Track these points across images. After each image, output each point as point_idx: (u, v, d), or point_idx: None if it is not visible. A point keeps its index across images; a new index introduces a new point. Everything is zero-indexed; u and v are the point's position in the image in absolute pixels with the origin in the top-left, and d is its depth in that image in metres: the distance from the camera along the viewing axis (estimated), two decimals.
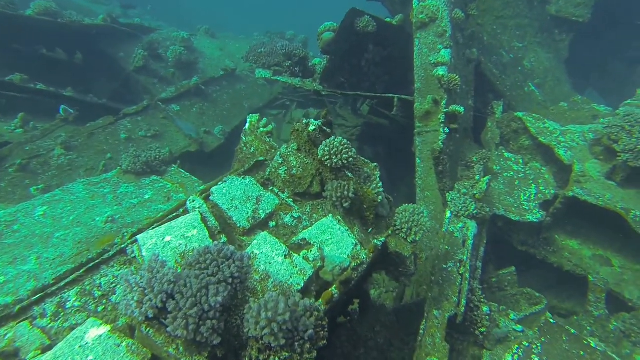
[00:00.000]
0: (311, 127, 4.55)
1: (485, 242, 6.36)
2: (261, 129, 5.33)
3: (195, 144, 9.32)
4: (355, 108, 11.85)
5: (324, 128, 4.68)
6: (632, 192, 6.47)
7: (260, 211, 4.35)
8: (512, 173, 7.20)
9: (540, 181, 7.07)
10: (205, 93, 10.76)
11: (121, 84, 11.26)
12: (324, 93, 7.99)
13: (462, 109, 6.62)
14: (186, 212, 4.18)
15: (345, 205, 4.41)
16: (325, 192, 4.56)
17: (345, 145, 4.47)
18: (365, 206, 4.58)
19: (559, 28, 10.30)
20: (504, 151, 7.57)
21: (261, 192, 4.54)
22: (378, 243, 4.20)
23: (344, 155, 4.40)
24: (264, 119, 5.46)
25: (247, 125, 5.45)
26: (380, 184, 4.72)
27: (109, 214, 5.75)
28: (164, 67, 11.41)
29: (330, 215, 4.39)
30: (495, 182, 7.10)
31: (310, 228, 4.30)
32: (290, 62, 8.28)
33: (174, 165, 7.32)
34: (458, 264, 5.46)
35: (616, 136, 6.21)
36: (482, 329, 5.09)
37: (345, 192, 4.41)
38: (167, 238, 3.72)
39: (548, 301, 7.36)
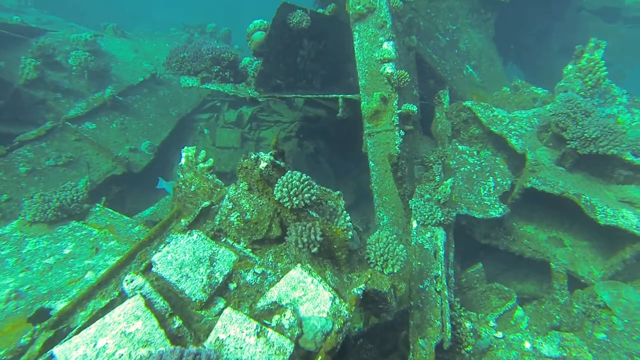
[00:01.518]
0: (262, 165, 3.84)
1: (453, 246, 6.13)
2: (200, 165, 4.50)
3: (121, 166, 8.12)
4: (290, 102, 11.16)
5: (277, 162, 4.00)
6: (579, 176, 6.55)
7: (217, 274, 3.62)
8: (468, 167, 7.01)
9: (496, 172, 6.96)
10: (124, 104, 9.41)
11: (7, 102, 9.42)
12: (261, 100, 7.19)
13: (415, 108, 6.21)
14: (123, 296, 3.33)
15: (314, 250, 3.81)
16: (288, 237, 3.93)
17: (306, 182, 3.83)
18: (335, 246, 4.01)
19: (484, 7, 10.27)
20: (457, 144, 7.36)
21: (214, 249, 3.79)
22: (359, 292, 3.67)
23: (306, 195, 3.77)
24: (202, 152, 4.63)
25: (183, 160, 4.58)
26: (348, 217, 4.17)
27: (11, 288, 4.59)
28: (66, 78, 9.77)
29: (299, 265, 3.77)
30: (453, 177, 6.87)
31: (278, 284, 3.66)
32: (218, 66, 7.33)
33: (98, 204, 6.19)
34: (434, 281, 5.14)
35: (563, 124, 6.18)
36: (469, 348, 4.86)
37: (313, 237, 3.81)
38: (102, 342, 2.89)
39: (510, 284, 7.50)
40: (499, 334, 5.26)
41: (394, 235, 4.46)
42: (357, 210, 10.30)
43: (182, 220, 4.69)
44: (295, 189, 3.75)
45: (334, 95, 7.09)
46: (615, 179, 6.37)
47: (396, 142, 6.11)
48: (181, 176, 4.60)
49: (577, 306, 6.06)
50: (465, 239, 7.05)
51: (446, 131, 7.36)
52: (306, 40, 7.69)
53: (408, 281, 5.14)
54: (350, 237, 4.06)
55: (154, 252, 4.01)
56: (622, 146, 5.77)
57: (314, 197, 3.83)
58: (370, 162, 6.85)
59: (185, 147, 4.62)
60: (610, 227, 5.93)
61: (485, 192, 6.68)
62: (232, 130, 10.49)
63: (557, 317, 5.91)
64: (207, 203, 4.18)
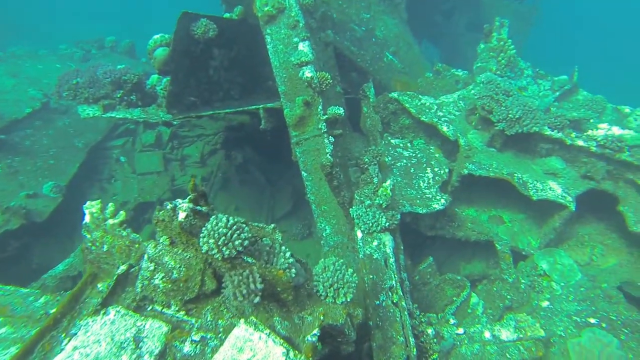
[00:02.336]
0: (180, 217, 3.31)
1: (402, 247, 5.98)
2: (110, 222, 3.84)
3: (16, 218, 7.02)
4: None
5: (198, 208, 3.48)
6: (509, 155, 6.69)
7: (145, 356, 3.07)
8: (404, 161, 6.89)
9: (432, 162, 6.90)
10: (9, 143, 8.15)
11: None
12: (175, 122, 6.51)
13: (342, 111, 5.90)
14: None
15: (256, 301, 3.38)
16: (224, 290, 3.46)
17: (235, 227, 3.36)
18: (279, 289, 3.61)
19: None
20: (390, 138, 7.21)
21: (138, 324, 3.22)
22: (313, 340, 3.31)
23: (237, 242, 3.30)
24: (110, 205, 3.96)
25: (87, 218, 3.89)
26: (288, 254, 3.77)
27: None
28: None
29: (242, 321, 3.33)
30: (391, 174, 6.72)
31: (222, 349, 3.19)
32: (121, 91, 6.50)
33: None
34: (389, 293, 4.93)
35: (489, 107, 6.22)
36: (435, 356, 4.73)
37: (252, 286, 3.37)
38: None
39: (458, 265, 7.59)
40: (460, 331, 5.20)
41: (341, 261, 4.14)
42: (296, 215, 9.92)
43: (100, 285, 4.02)
44: (224, 237, 3.26)
45: (254, 107, 6.58)
46: (538, 152, 6.57)
47: (327, 150, 5.77)
48: (88, 236, 3.91)
49: (523, 281, 6.22)
50: (411, 232, 6.97)
51: (376, 126, 7.17)
52: (216, 49, 7.05)
53: (363, 299, 4.89)
54: (293, 276, 3.68)
55: (63, 336, 3.35)
56: (541, 123, 5.90)
57: (246, 243, 3.37)
58: (303, 172, 6.48)
59: (88, 203, 3.92)
60: (541, 200, 6.10)
61: (425, 184, 6.60)
62: (152, 153, 9.59)
63: (508, 296, 6.02)
64: (123, 268, 3.57)
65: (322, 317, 3.47)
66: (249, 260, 3.47)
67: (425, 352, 4.73)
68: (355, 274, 4.07)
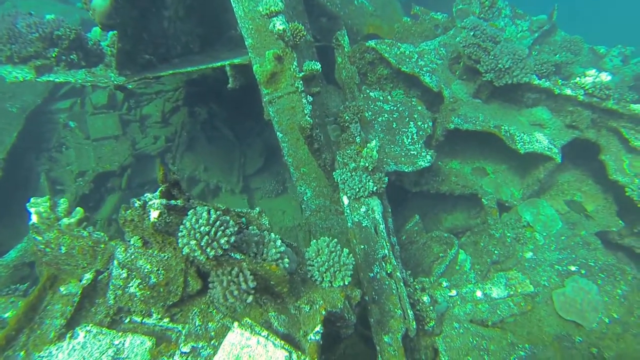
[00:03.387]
0: (153, 217, 2.80)
1: (390, 210, 5.72)
2: (64, 222, 3.26)
3: None
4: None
5: (173, 203, 2.96)
6: (495, 106, 6.38)
7: None
8: (385, 116, 6.45)
9: (415, 116, 6.50)
10: None
11: None
12: (130, 86, 5.67)
13: (319, 66, 5.29)
14: None
15: (249, 300, 3.03)
16: (212, 290, 3.07)
17: (218, 222, 2.89)
18: (273, 283, 3.26)
19: None
20: (368, 91, 6.68)
21: (116, 343, 2.81)
22: (317, 339, 3.03)
23: (222, 241, 2.86)
24: (62, 201, 3.35)
25: (34, 218, 3.28)
26: (278, 242, 3.37)
27: None
28: None
29: (236, 324, 2.98)
30: (372, 131, 6.30)
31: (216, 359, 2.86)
32: (56, 49, 5.52)
33: None
34: (383, 264, 4.71)
35: (476, 56, 5.77)
36: (431, 323, 4.64)
37: (243, 285, 2.99)
38: None
39: (441, 217, 7.53)
40: (453, 292, 5.15)
41: (334, 241, 3.81)
42: (269, 171, 9.48)
43: (62, 288, 3.51)
44: (207, 237, 2.80)
45: (220, 64, 5.82)
46: (525, 102, 6.30)
47: (305, 112, 5.22)
48: (39, 238, 3.32)
49: (509, 234, 6.20)
50: (394, 189, 6.72)
51: (353, 78, 6.60)
52: None
53: (357, 272, 4.65)
54: (287, 266, 3.32)
55: (22, 355, 2.89)
56: (530, 72, 5.55)
57: (232, 239, 2.93)
58: (278, 133, 5.94)
59: (32, 200, 3.29)
60: (528, 153, 5.93)
61: (409, 140, 6.24)
62: (106, 115, 8.60)
63: (495, 251, 6.00)
64: (88, 277, 3.06)
65: (323, 312, 3.18)
66: (237, 256, 3.05)
67: (422, 320, 4.64)
68: (351, 255, 3.77)
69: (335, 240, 3.81)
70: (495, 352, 4.88)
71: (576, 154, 6.65)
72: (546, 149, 5.92)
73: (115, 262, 2.95)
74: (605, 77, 5.75)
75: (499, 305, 5.20)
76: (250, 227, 3.42)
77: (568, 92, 5.90)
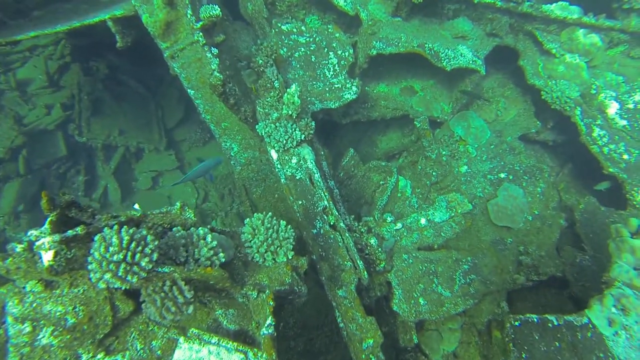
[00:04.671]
0: (47, 259, 2.35)
1: (322, 153, 5.48)
2: None
3: None
4: None
5: (70, 234, 2.49)
6: (416, 23, 5.99)
7: None
8: (302, 49, 5.86)
9: (334, 45, 5.98)
10: None
11: None
12: None
13: (218, 10, 4.52)
14: None
15: (189, 311, 2.81)
16: (145, 309, 2.79)
17: (134, 242, 2.51)
18: (212, 282, 3.02)
19: None
20: (280, 25, 5.96)
21: None
22: (270, 332, 2.91)
23: (143, 262, 2.50)
24: None
25: None
26: (209, 238, 3.06)
27: None
28: None
29: (182, 339, 2.77)
30: (291, 69, 5.76)
31: None
32: None
33: None
34: (325, 216, 4.59)
35: None
36: (382, 264, 4.74)
37: (180, 299, 2.74)
38: None
39: (375, 140, 7.47)
40: (398, 225, 5.24)
41: (269, 215, 3.56)
42: (191, 119, 8.74)
43: None
44: (125, 266, 2.43)
45: (97, 19, 4.83)
46: (446, 15, 5.97)
47: (212, 67, 4.56)
48: None
49: (444, 153, 6.28)
50: (324, 123, 6.43)
51: (260, 12, 5.83)
52: None
53: (299, 231, 4.52)
54: (223, 261, 3.07)
55: None
56: None
57: (155, 256, 2.59)
58: (189, 90, 5.28)
59: None
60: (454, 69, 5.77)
61: (331, 73, 5.81)
62: None
63: (433, 172, 6.09)
64: None
65: (271, 302, 3.03)
66: (166, 269, 2.74)
67: (373, 263, 4.72)
68: (289, 227, 3.57)
69: (270, 214, 3.56)
70: (443, 273, 5.18)
71: (496, 58, 6.61)
72: (471, 62, 5.78)
73: (9, 318, 2.52)
74: None
75: (442, 227, 5.41)
76: (174, 229, 3.05)
77: None
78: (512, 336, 3.21)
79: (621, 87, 6.13)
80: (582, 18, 5.86)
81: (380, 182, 6.25)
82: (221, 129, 5.55)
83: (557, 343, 3.04)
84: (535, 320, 3.27)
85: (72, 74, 8.15)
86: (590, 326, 3.08)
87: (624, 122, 5.92)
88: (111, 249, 2.39)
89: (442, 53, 5.68)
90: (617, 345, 3.00)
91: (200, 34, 4.47)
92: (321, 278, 4.31)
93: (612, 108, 5.94)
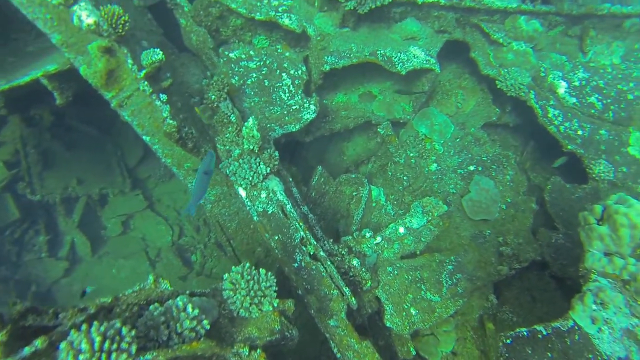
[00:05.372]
0: None
1: (290, 179, 5.39)
2: None
3: None
4: None
5: (27, 351, 2.32)
6: (365, 30, 5.94)
7: None
8: (254, 75, 5.72)
9: (285, 65, 5.86)
10: None
11: None
12: None
13: (160, 55, 4.34)
14: None
15: None
16: None
17: (109, 339, 2.37)
18: (200, 354, 2.91)
19: None
20: (227, 53, 5.80)
21: None
22: None
23: (122, 358, 2.37)
24: None
25: None
26: (189, 308, 2.94)
27: None
28: None
29: None
30: (246, 97, 5.63)
31: None
32: None
33: None
34: (303, 248, 4.52)
35: None
36: (368, 283, 4.71)
37: None
38: None
39: (341, 147, 7.42)
40: (378, 239, 5.22)
41: (247, 266, 3.47)
42: (152, 158, 8.39)
43: None
44: None
45: (29, 78, 4.56)
46: (393, 18, 5.95)
47: (164, 115, 4.38)
48: None
49: (412, 155, 6.31)
50: (287, 144, 6.33)
51: (206, 42, 5.65)
52: None
53: (280, 268, 4.44)
54: (208, 328, 2.97)
55: None
56: None
57: (134, 347, 2.45)
58: (144, 137, 5.07)
59: None
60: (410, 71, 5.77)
61: (287, 94, 5.70)
62: None
63: (404, 177, 6.11)
64: None
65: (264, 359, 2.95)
66: (148, 356, 2.60)
67: (359, 284, 4.70)
68: (270, 274, 3.49)
69: (248, 264, 3.46)
70: (429, 278, 5.21)
71: (449, 49, 6.66)
72: (424, 62, 5.80)
73: None
74: None
75: (421, 232, 5.43)
76: (151, 306, 2.91)
77: None
78: (506, 355, 3.26)
79: (565, 66, 6.32)
80: (521, 6, 5.99)
81: (354, 193, 6.23)
82: (184, 170, 5.36)
83: (549, 354, 3.11)
84: (525, 333, 3.33)
85: (11, 127, 7.60)
86: (576, 328, 3.16)
87: (574, 100, 6.10)
88: (82, 357, 2.24)
89: (395, 58, 5.68)
90: (602, 341, 3.10)
91: (145, 83, 4.27)
92: (310, 312, 4.25)
93: (562, 88, 6.11)
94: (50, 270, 7.44)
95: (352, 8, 5.11)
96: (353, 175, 6.16)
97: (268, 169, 4.73)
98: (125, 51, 4.19)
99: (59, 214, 7.66)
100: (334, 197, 6.18)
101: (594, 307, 3.12)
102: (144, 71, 4.21)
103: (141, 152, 8.47)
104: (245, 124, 4.68)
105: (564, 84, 6.15)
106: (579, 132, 5.92)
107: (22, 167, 7.33)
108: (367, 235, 5.22)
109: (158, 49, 4.36)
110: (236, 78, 5.63)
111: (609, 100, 6.12)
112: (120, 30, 4.09)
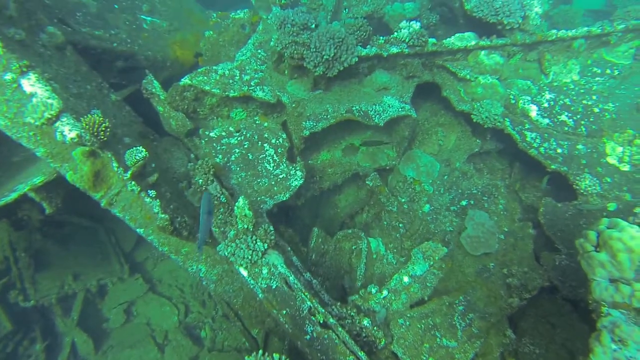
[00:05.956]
0: None
1: (289, 249, 5.39)
2: None
3: None
4: None
5: None
6: (337, 89, 6.16)
7: None
8: (237, 150, 5.83)
9: (266, 135, 6.00)
10: None
11: None
12: None
13: (143, 152, 4.43)
14: None
15: None
16: None
17: None
18: None
19: None
20: (207, 132, 5.94)
21: None
22: None
23: None
24: None
25: None
26: None
27: None
28: None
29: None
30: (232, 174, 5.71)
31: None
32: None
33: None
34: (313, 318, 4.46)
35: (298, 54, 5.34)
36: (382, 342, 4.64)
37: None
38: None
39: (334, 200, 7.48)
40: (384, 293, 5.18)
41: (260, 354, 3.41)
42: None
43: None
44: None
45: (16, 195, 4.60)
46: (362, 73, 6.20)
47: (155, 210, 4.43)
48: None
49: (403, 200, 6.38)
50: (278, 211, 6.36)
51: (185, 126, 5.79)
52: None
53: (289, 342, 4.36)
54: None
55: None
56: (355, 51, 5.35)
57: None
58: (138, 230, 5.08)
59: None
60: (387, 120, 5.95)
61: (272, 165, 5.79)
62: None
63: (399, 225, 6.16)
64: None
65: None
66: None
67: (373, 344, 4.62)
68: (283, 357, 3.43)
69: (260, 353, 3.41)
70: (442, 323, 5.15)
71: (421, 90, 6.90)
72: (400, 109, 5.99)
73: None
74: (415, 25, 5.86)
75: (426, 278, 5.42)
76: None
77: (394, 50, 5.91)
78: None
79: (532, 90, 6.56)
80: (479, 42, 6.29)
81: (353, 247, 6.23)
82: (183, 255, 5.34)
83: None
84: None
85: None
86: None
87: (547, 120, 6.30)
88: None
89: (371, 111, 5.87)
90: None
91: (133, 182, 4.33)
92: None
93: (533, 111, 6.33)
94: None
95: (321, 73, 5.31)
96: (350, 231, 6.19)
97: (265, 245, 4.73)
98: (110, 155, 4.28)
99: (56, 315, 7.45)
100: (335, 255, 6.17)
101: (613, 346, 3.10)
102: (129, 172, 4.29)
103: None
104: (236, 204, 4.73)
105: (534, 107, 6.37)
106: (559, 151, 6.08)
107: (13, 273, 7.12)
108: (373, 291, 5.19)
109: (140, 147, 4.46)
110: (220, 157, 5.74)
111: (578, 116, 6.33)
112: (102, 137, 4.20)
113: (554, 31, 6.40)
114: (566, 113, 6.31)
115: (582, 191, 5.82)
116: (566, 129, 6.22)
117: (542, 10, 6.45)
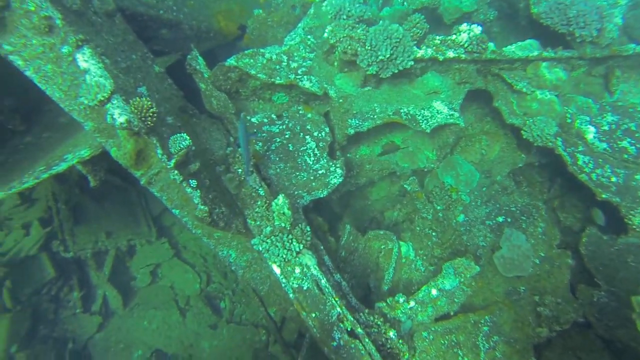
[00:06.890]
0: None
1: (322, 247, 5.37)
2: None
3: None
4: None
5: None
6: (387, 87, 5.90)
7: None
8: (278, 140, 5.72)
9: (308, 127, 5.85)
10: None
11: None
12: None
13: (188, 141, 4.38)
14: None
15: None
16: None
17: None
18: None
19: None
20: (250, 117, 5.83)
21: None
22: None
23: None
24: None
25: None
26: None
27: None
28: None
29: None
30: (271, 164, 5.63)
31: None
32: None
33: None
34: (341, 325, 4.49)
35: (351, 49, 5.09)
36: (406, 355, 4.66)
37: None
38: None
39: (365, 192, 7.37)
40: (412, 304, 5.15)
41: None
42: None
43: None
44: None
45: (66, 166, 4.66)
46: (414, 73, 5.90)
47: (196, 201, 4.42)
48: None
49: (439, 208, 6.23)
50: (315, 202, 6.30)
51: (227, 108, 5.67)
52: None
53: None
54: None
55: None
56: (412, 52, 5.06)
57: None
58: (173, 210, 5.12)
59: None
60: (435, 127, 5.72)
61: (312, 159, 5.68)
62: None
63: (433, 233, 6.04)
64: None
65: None
66: None
67: (396, 356, 4.64)
68: None
69: None
70: (465, 342, 5.11)
71: (469, 93, 6.57)
72: (448, 117, 5.74)
73: None
74: (476, 29, 5.47)
75: (454, 293, 5.34)
76: None
77: (451, 54, 5.56)
78: None
79: (592, 109, 6.13)
80: (542, 53, 5.85)
81: (382, 247, 6.17)
82: (215, 239, 5.39)
83: None
84: None
85: (43, 184, 7.82)
86: None
87: (604, 145, 5.92)
88: None
89: (418, 116, 5.64)
90: None
91: (176, 172, 4.31)
92: None
93: (590, 133, 5.94)
94: (85, 326, 7.56)
95: (374, 73, 5.07)
96: (382, 232, 6.09)
97: (301, 245, 4.71)
98: (155, 141, 4.25)
99: (91, 269, 7.80)
100: (363, 254, 6.13)
101: None
102: (173, 160, 4.25)
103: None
104: (275, 201, 4.68)
105: (592, 129, 5.98)
106: (613, 179, 5.74)
107: (55, 224, 7.50)
108: (401, 300, 5.16)
109: (184, 134, 4.39)
110: (260, 144, 5.65)
111: None
112: (150, 122, 4.14)
113: (632, 46, 5.88)
114: (629, 139, 5.89)
115: (634, 227, 5.48)
116: (626, 156, 5.83)
117: (623, 21, 5.91)
